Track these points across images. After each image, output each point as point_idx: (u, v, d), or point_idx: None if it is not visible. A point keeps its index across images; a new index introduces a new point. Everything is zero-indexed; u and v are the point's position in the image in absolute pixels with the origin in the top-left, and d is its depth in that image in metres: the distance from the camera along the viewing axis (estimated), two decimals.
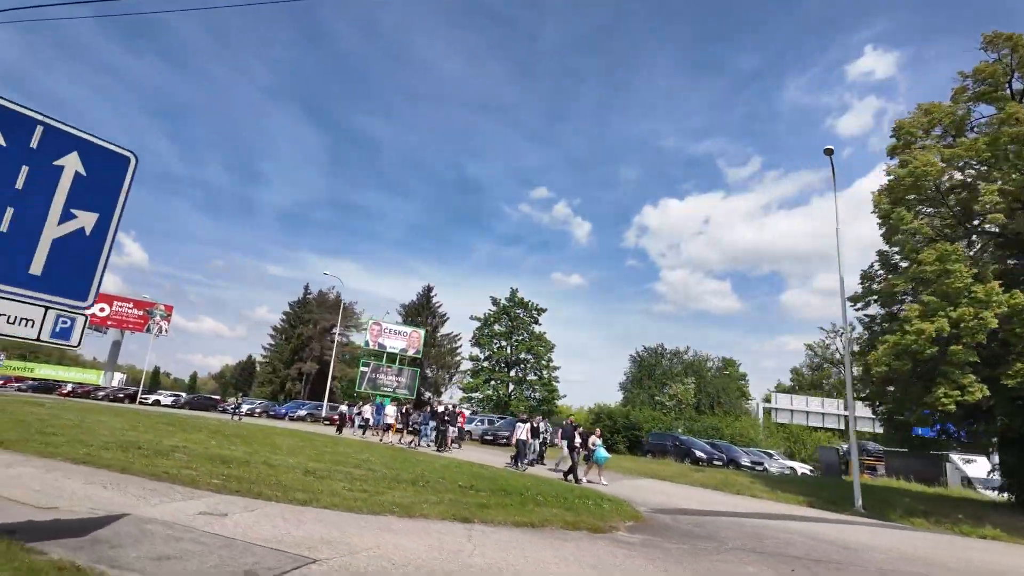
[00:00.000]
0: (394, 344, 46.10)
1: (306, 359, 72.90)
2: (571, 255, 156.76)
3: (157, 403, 50.05)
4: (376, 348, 45.79)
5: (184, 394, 54.40)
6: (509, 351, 52.52)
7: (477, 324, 53.78)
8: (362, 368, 45.13)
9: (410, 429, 24.00)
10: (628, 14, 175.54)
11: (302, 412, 38.78)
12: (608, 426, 31.56)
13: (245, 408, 41.84)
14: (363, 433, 25.09)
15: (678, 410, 35.39)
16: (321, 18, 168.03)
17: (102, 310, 60.42)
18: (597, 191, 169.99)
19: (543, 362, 51.59)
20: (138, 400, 50.40)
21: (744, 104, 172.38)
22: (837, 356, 56.74)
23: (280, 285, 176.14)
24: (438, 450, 20.80)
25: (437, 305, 68.75)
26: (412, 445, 21.53)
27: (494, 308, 54.18)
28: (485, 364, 53.15)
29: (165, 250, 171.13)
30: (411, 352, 47.28)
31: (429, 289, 69.23)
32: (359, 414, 25.75)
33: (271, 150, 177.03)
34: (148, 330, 63.07)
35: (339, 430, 25.10)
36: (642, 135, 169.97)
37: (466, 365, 58.36)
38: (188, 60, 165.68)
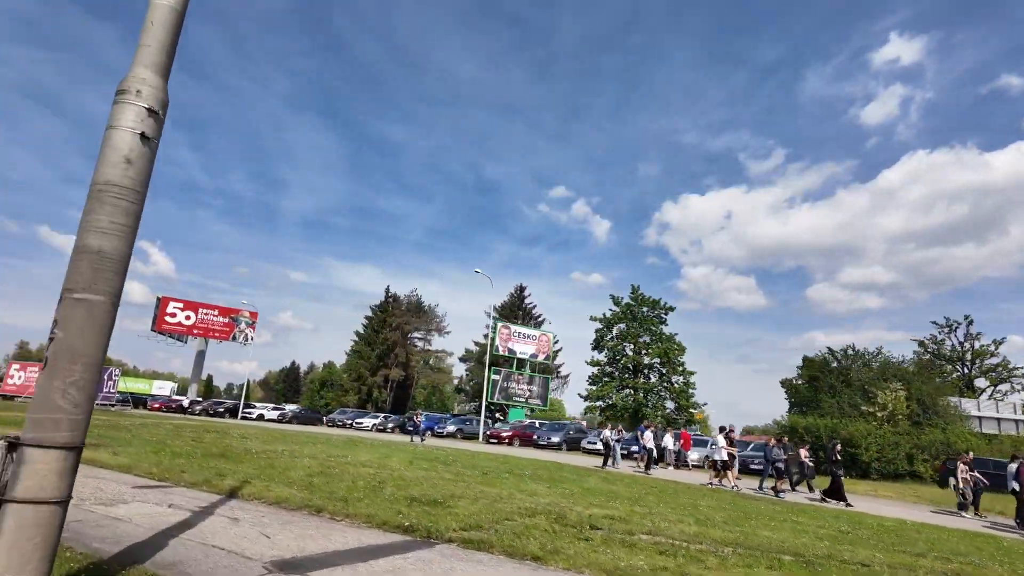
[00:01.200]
0: (524, 349, 41.57)
1: (391, 365, 69.11)
2: (591, 254, 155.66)
3: (261, 417, 46.51)
4: (506, 353, 41.30)
5: (287, 407, 50.72)
6: (635, 355, 47.52)
7: (597, 326, 48.94)
8: (493, 376, 40.67)
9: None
10: (644, 10, 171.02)
11: (451, 428, 34.24)
12: (811, 442, 26.25)
13: (390, 424, 37.80)
14: (610, 463, 20.01)
15: (892, 421, 29.93)
16: (337, 27, 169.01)
17: (188, 318, 57.43)
18: (616, 189, 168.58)
19: (676, 367, 46.43)
20: (240, 415, 46.92)
21: (765, 96, 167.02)
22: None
23: (303, 291, 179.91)
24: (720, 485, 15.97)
25: (531, 306, 64.21)
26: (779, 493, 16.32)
27: (615, 308, 49.25)
28: (608, 369, 48.29)
29: (191, 258, 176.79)
30: (541, 357, 42.71)
31: (522, 289, 64.78)
32: (617, 440, 20.66)
33: (292, 158, 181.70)
34: (234, 338, 59.92)
35: (605, 462, 20.10)
36: (661, 131, 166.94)
37: (566, 370, 53.80)
38: (209, 73, 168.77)
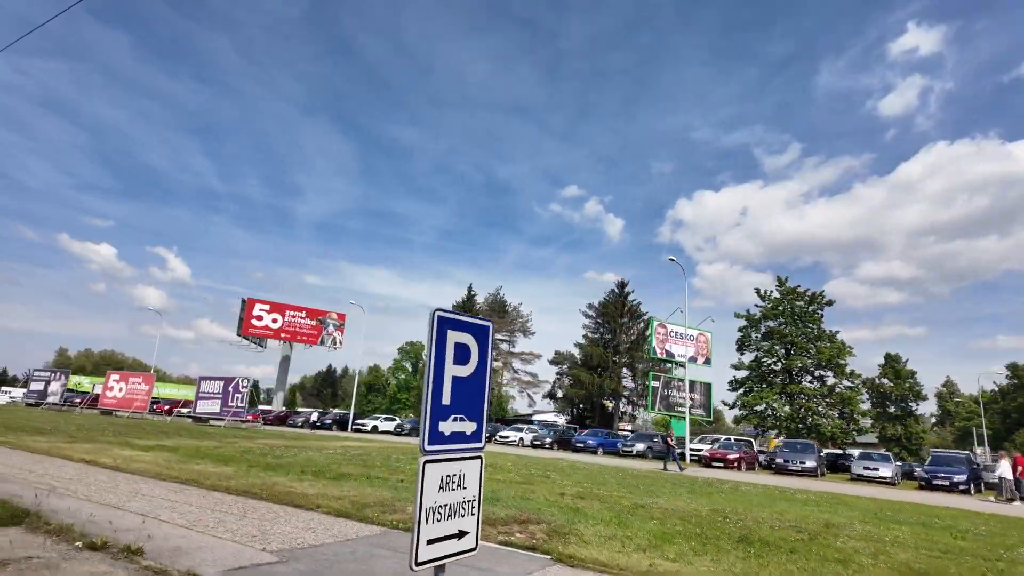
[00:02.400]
0: (682, 351, 36.63)
1: None
2: (604, 253, 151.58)
3: (375, 430, 42.01)
4: (663, 356, 36.38)
5: (399, 419, 46.17)
6: (788, 357, 42.40)
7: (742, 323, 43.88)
8: (652, 383, 35.72)
9: None
10: (652, 7, 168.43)
11: (590, 441, 29.10)
12: None
13: (548, 439, 33.03)
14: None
15: None
16: (347, 31, 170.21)
17: (275, 320, 53.18)
18: (628, 187, 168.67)
19: (840, 369, 41.24)
20: (350, 426, 42.43)
21: (779, 91, 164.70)
22: None
23: (318, 295, 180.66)
24: None
25: (635, 303, 59.10)
26: None
27: (761, 303, 44.12)
28: (753, 373, 43.22)
29: (207, 264, 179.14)
30: (700, 361, 37.70)
31: (623, 285, 59.65)
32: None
33: (305, 163, 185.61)
34: (322, 342, 55.63)
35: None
36: (672, 128, 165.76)
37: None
38: (221, 79, 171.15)
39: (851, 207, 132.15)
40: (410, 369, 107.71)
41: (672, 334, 36.81)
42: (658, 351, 36.28)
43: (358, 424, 42.96)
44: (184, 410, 48.91)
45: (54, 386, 39.42)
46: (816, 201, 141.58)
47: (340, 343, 56.66)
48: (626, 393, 58.46)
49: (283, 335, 53.60)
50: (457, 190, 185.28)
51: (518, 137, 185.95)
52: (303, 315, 54.82)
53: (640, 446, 29.35)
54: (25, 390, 58.09)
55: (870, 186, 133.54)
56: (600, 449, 31.21)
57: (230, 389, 31.72)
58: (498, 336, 67.46)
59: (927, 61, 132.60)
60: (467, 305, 65.60)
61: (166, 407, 44.35)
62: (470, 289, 66.62)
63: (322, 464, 12.50)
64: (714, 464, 25.14)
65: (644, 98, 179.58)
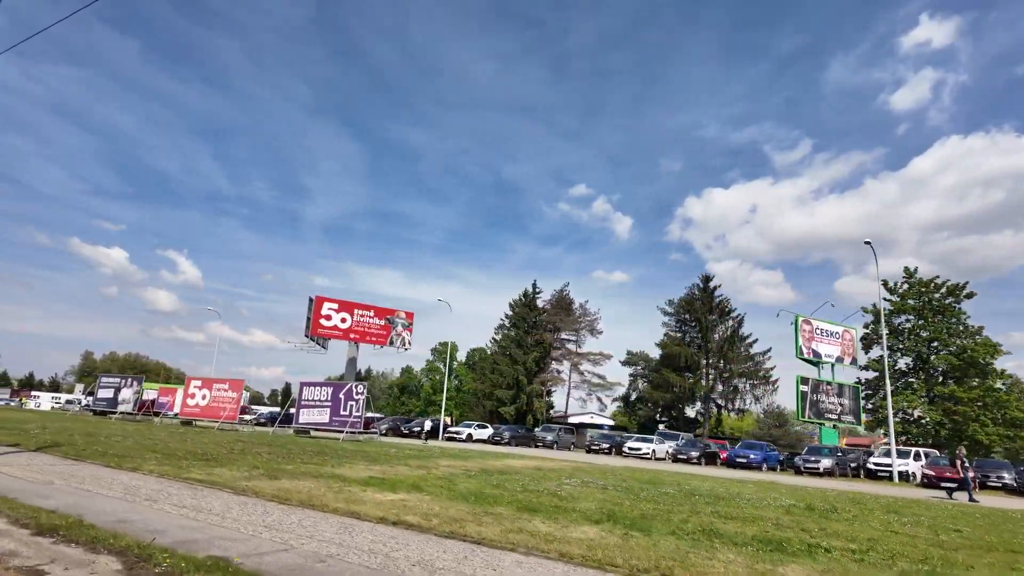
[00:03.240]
0: (828, 351, 32.75)
1: (545, 369, 60.72)
2: (612, 252, 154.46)
3: (470, 438, 38.33)
4: (810, 357, 32.47)
5: (499, 426, 42.50)
6: (926, 356, 38.43)
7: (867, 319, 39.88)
8: (801, 387, 31.83)
9: None
10: (660, 4, 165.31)
11: (829, 463, 24.83)
12: None
13: (694, 453, 29.18)
14: None
15: None
16: (354, 34, 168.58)
17: (343, 320, 49.53)
18: (637, 185, 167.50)
19: (986, 368, 37.22)
20: (442, 435, 38.78)
21: (789, 87, 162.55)
22: None
23: (327, 295, 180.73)
24: None
25: (721, 298, 55.15)
26: None
27: (890, 297, 40.14)
28: (880, 375, 39.24)
29: (217, 267, 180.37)
30: (847, 361, 33.80)
31: (707, 279, 55.70)
32: None
33: (313, 165, 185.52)
34: (391, 343, 51.92)
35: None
36: (681, 126, 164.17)
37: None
38: (230, 83, 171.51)
39: (863, 203, 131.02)
40: (443, 370, 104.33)
41: (818, 332, 32.88)
42: (804, 351, 32.37)
43: (451, 432, 39.37)
44: (247, 417, 45.27)
45: (125, 393, 35.89)
46: (827, 197, 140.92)
47: (408, 344, 52.90)
48: (714, 396, 54.56)
49: (352, 336, 49.92)
50: (464, 191, 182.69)
51: (525, 137, 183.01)
52: (371, 314, 51.13)
53: (826, 462, 25.30)
54: (88, 397, 54.84)
55: (882, 181, 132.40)
56: (764, 465, 27.31)
57: (342, 396, 27.99)
58: (564, 335, 63.53)
59: (940, 54, 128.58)
60: (530, 303, 61.70)
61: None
62: (534, 286, 62.66)
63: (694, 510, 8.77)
64: (943, 485, 21.24)
65: (652, 96, 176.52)
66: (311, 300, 49.37)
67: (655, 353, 59.32)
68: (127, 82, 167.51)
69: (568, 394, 63.01)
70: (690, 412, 56.72)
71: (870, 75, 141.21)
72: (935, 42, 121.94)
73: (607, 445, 34.30)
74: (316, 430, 28.68)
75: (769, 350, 52.26)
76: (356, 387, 27.81)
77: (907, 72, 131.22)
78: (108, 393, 36.58)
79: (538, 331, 60.54)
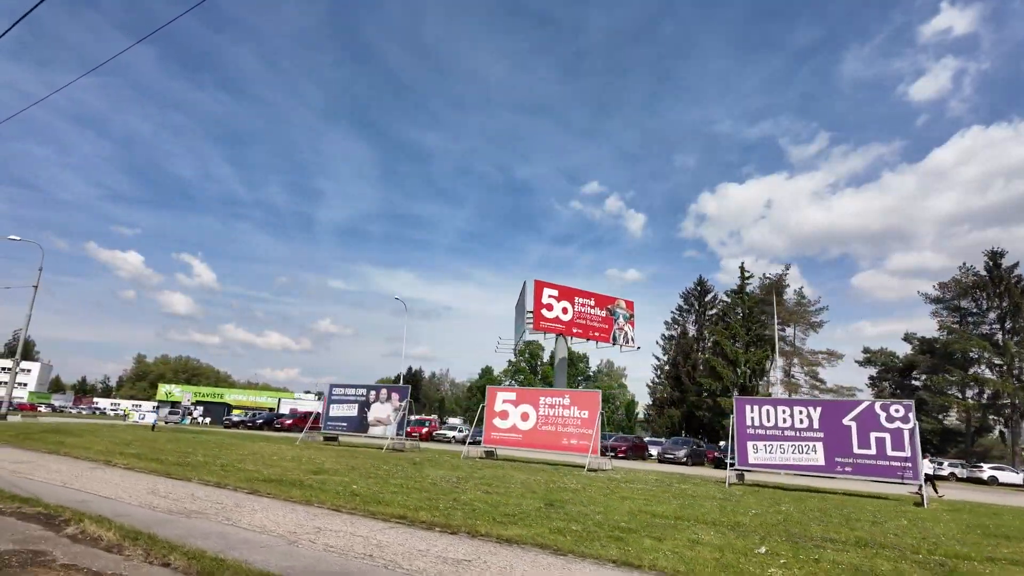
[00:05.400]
0: None
1: (764, 369, 49.78)
2: (626, 250, 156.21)
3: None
4: None
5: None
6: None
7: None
8: None
9: None
10: (673, 0, 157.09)
11: None
12: None
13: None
14: None
15: None
16: (366, 37, 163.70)
17: (564, 311, 38.71)
18: (650, 183, 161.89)
19: None
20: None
21: (805, 80, 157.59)
22: None
23: (342, 298, 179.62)
24: None
25: (1018, 279, 43.80)
26: None
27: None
28: None
29: (233, 270, 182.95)
30: None
31: (996, 255, 44.36)
32: None
33: (327, 168, 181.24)
34: (614, 339, 41.06)
35: None
36: (695, 122, 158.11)
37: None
38: (245, 89, 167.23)
39: (881, 196, 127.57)
40: (528, 370, 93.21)
41: None
42: None
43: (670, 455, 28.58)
44: (448, 433, 34.91)
45: (380, 410, 24.99)
46: (844, 191, 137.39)
47: (632, 340, 42.02)
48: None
49: (575, 330, 39.03)
50: (478, 191, 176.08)
51: (538, 136, 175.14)
52: (591, 303, 40.17)
53: None
54: (196, 408, 44.86)
55: (900, 174, 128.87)
56: None
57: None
58: (786, 332, 52.29)
59: (961, 42, 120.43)
60: (740, 288, 50.70)
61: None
62: (743, 269, 51.47)
63: None
64: None
65: (666, 92, 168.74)
66: (525, 284, 38.78)
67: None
68: (143, 88, 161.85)
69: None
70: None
71: (889, 65, 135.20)
72: (956, 29, 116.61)
73: None
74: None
75: None
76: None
77: (927, 62, 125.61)
78: (345, 410, 25.75)
79: (755, 326, 49.55)
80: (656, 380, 56.93)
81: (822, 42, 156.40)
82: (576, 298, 39.38)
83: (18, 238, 30.22)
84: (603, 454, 21.13)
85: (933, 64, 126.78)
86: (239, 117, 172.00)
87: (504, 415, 21.99)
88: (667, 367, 56.08)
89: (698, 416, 48.37)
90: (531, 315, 37.44)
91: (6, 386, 35.63)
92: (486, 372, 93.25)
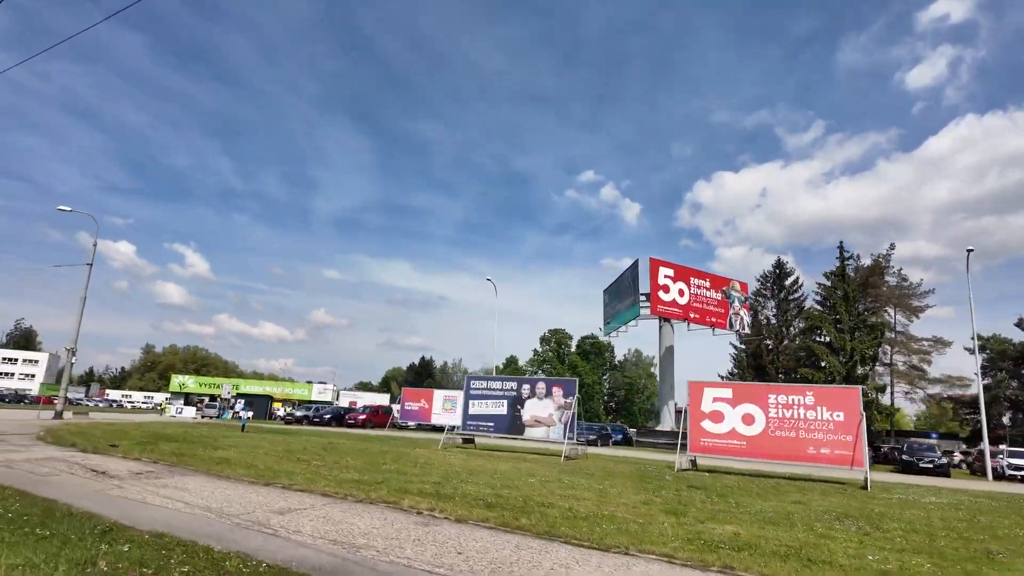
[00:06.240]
0: None
1: (873, 360, 44.99)
2: (621, 239, 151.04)
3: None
4: None
5: None
6: None
7: None
8: None
9: None
10: None
11: None
12: None
13: None
14: None
15: None
16: (363, 28, 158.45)
17: (681, 293, 33.78)
18: (646, 172, 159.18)
19: None
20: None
21: (802, 68, 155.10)
22: None
23: (337, 288, 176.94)
24: None
25: None
26: None
27: None
28: None
29: (229, 261, 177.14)
30: None
31: None
32: None
33: (323, 159, 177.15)
34: (730, 324, 36.08)
35: None
36: (692, 112, 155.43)
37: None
38: (241, 81, 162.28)
39: (876, 185, 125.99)
40: (555, 358, 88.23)
41: None
42: None
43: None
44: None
45: (539, 407, 19.96)
46: (839, 180, 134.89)
47: (747, 326, 37.17)
48: None
49: (691, 315, 34.20)
50: (475, 182, 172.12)
51: (536, 127, 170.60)
52: (707, 284, 35.42)
53: None
54: (239, 400, 40.34)
55: (895, 163, 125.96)
56: None
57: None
58: (884, 318, 47.24)
59: (958, 29, 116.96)
60: (840, 270, 45.37)
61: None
62: (841, 247, 45.94)
63: None
64: None
65: (664, 82, 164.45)
66: (636, 263, 33.69)
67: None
68: (133, 77, 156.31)
69: (891, 394, 47.16)
70: None
71: (886, 53, 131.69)
72: (953, 17, 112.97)
73: None
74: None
75: None
76: None
77: (924, 49, 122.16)
78: (490, 408, 20.56)
79: (862, 311, 44.56)
80: (734, 370, 52.14)
81: (819, 31, 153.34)
82: (692, 279, 34.72)
83: (68, 208, 28.21)
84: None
85: (930, 52, 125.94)
86: (235, 109, 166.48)
87: (717, 416, 17.28)
88: (746, 356, 51.26)
89: None
90: (645, 297, 32.66)
91: (60, 382, 31.21)
92: (511, 362, 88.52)
